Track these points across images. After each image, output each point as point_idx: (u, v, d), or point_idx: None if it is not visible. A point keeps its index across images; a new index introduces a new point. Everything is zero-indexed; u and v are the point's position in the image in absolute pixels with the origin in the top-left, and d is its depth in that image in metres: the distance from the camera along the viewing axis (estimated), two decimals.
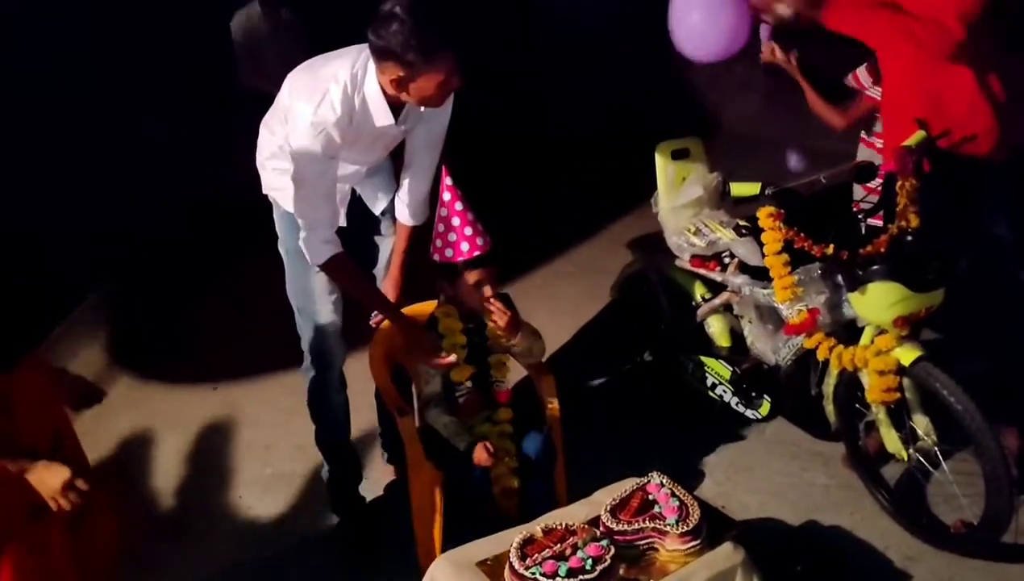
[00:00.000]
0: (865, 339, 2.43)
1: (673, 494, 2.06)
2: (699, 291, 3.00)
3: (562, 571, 1.82)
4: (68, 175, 4.68)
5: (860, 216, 2.58)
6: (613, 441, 3.01)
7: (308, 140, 2.15)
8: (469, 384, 2.36)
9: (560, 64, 6.43)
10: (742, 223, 2.84)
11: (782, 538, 2.55)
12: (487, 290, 2.32)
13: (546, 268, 4.41)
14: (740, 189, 2.49)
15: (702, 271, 2.93)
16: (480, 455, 2.22)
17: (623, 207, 3.22)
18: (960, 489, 2.46)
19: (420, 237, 2.50)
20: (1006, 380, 2.56)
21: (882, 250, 2.35)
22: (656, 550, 2.00)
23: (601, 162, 5.51)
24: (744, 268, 2.79)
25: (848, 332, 2.51)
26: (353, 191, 2.52)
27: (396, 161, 2.55)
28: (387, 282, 2.57)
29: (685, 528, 1.97)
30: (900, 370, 2.35)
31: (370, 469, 2.87)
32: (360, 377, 2.66)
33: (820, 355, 2.49)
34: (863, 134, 3.09)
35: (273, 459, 3.14)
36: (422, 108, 2.24)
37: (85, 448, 2.18)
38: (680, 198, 2.99)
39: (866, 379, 2.43)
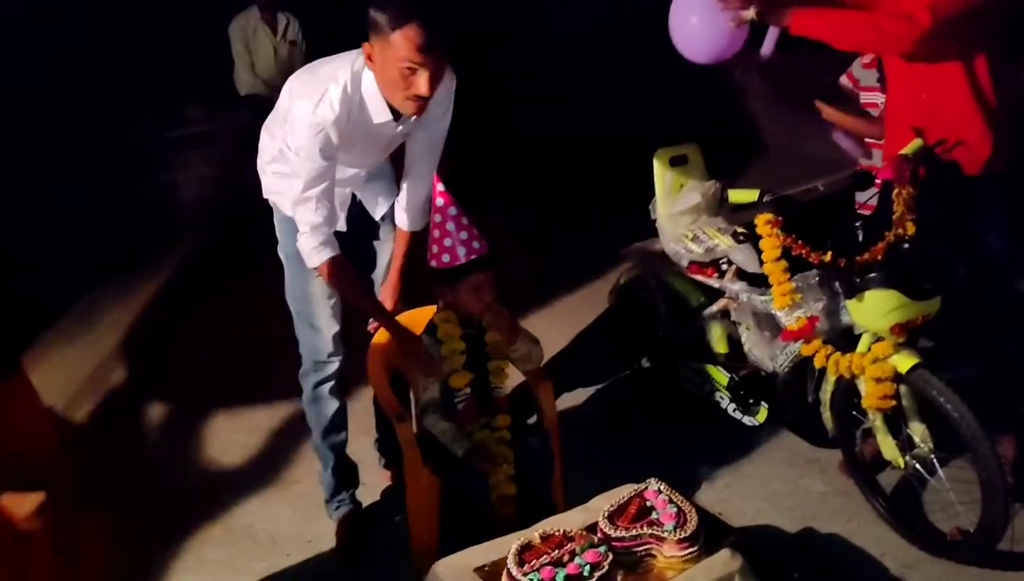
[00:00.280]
0: (862, 346, 2.43)
1: (671, 501, 2.06)
2: (697, 298, 3.01)
3: (560, 577, 1.82)
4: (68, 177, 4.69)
5: (858, 223, 2.58)
6: (611, 447, 3.01)
7: (307, 139, 2.15)
8: (468, 390, 2.36)
9: (560, 65, 6.45)
10: (740, 230, 2.85)
11: (779, 545, 2.55)
12: (486, 294, 2.32)
13: (544, 274, 4.41)
14: (738, 196, 2.50)
15: (700, 277, 2.94)
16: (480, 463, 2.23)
17: (621, 213, 3.23)
18: (956, 496, 2.47)
19: (419, 243, 2.50)
20: (1001, 389, 2.57)
21: (879, 258, 2.35)
22: (654, 557, 1.99)
23: (600, 167, 5.52)
24: (742, 275, 2.80)
25: (845, 339, 2.52)
26: (353, 196, 2.53)
27: (397, 166, 2.55)
28: (385, 288, 2.57)
29: (683, 535, 1.97)
30: (897, 377, 2.36)
31: (367, 474, 2.86)
32: (358, 382, 2.66)
33: (817, 362, 2.49)
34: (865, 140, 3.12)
35: (270, 464, 3.13)
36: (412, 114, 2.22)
37: (82, 449, 2.16)
38: (678, 205, 3.00)
39: (863, 386, 2.44)
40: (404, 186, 2.50)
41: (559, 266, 4.55)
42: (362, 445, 2.89)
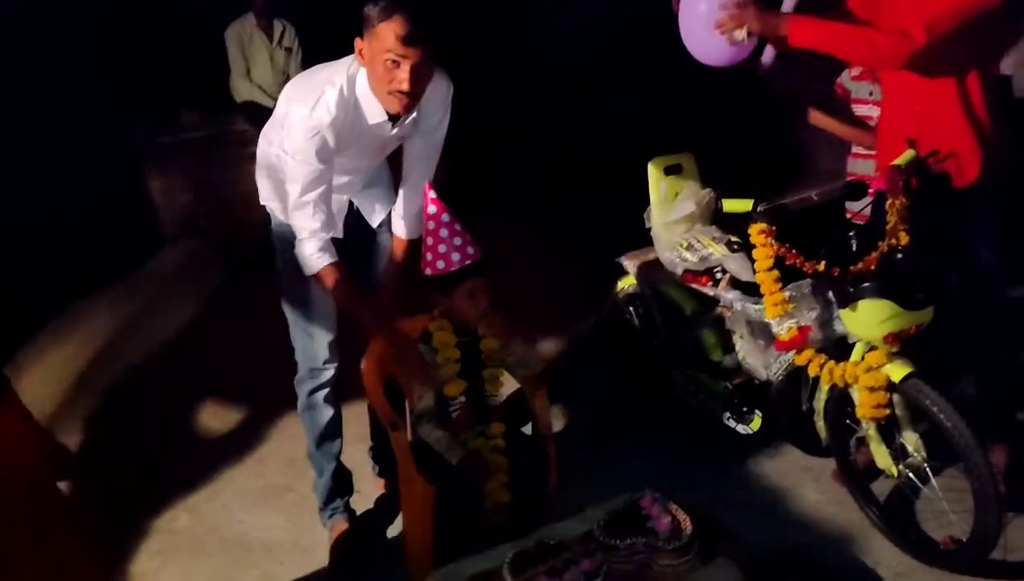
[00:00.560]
0: (856, 355, 2.45)
1: (666, 510, 2.06)
2: (692, 306, 3.02)
3: None
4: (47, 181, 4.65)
5: (852, 233, 2.59)
6: (605, 455, 3.01)
7: (303, 142, 2.16)
8: (462, 399, 2.36)
9: (560, 68, 6.45)
10: (734, 239, 2.87)
11: (773, 554, 2.55)
12: (481, 300, 2.32)
13: (540, 281, 4.41)
14: (732, 205, 2.51)
15: (694, 286, 2.95)
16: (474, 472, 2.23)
17: (621, 214, 3.23)
18: (949, 505, 2.48)
19: (416, 251, 2.51)
20: (993, 398, 2.59)
21: (872, 268, 2.37)
22: (649, 566, 2.00)
23: (600, 167, 5.53)
24: (736, 283, 2.81)
25: (839, 348, 2.53)
26: (351, 203, 2.53)
27: (395, 174, 2.56)
28: (382, 295, 2.57)
29: (677, 544, 1.97)
30: (890, 386, 2.37)
31: (361, 482, 2.86)
32: (353, 390, 2.66)
33: (811, 371, 2.51)
34: (854, 148, 3.14)
35: (265, 472, 3.13)
36: (408, 116, 2.22)
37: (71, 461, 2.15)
38: (673, 213, 3.01)
39: (856, 395, 2.45)
40: (401, 193, 2.50)
41: (557, 271, 4.56)
42: (357, 453, 2.89)
